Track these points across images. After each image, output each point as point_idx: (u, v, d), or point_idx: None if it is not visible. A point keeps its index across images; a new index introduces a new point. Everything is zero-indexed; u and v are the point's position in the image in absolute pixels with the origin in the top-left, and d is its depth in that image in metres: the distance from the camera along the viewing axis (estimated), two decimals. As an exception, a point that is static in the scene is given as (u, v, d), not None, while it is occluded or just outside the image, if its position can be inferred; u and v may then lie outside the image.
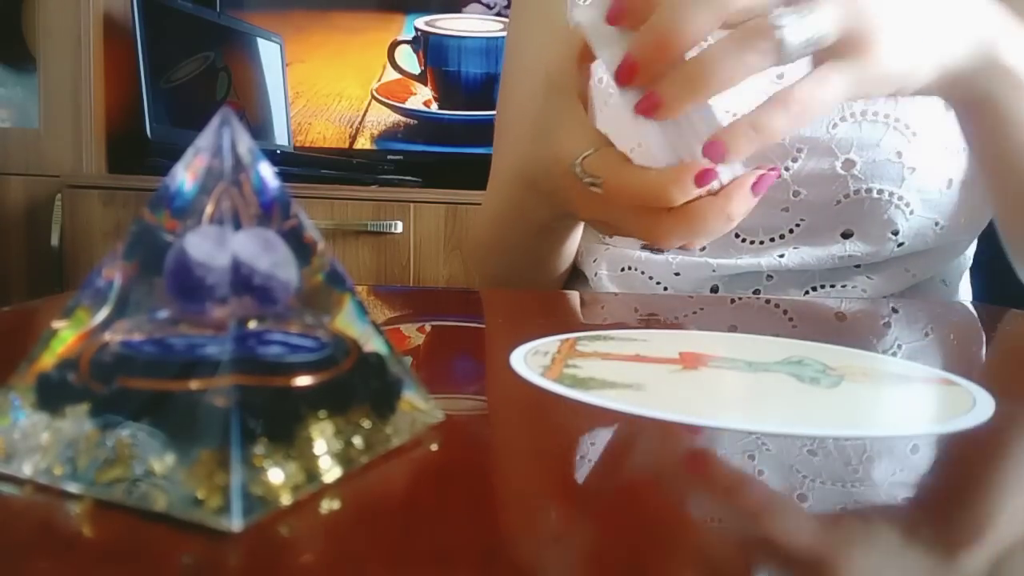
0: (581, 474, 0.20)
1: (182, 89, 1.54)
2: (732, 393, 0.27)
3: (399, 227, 1.42)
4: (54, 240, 1.43)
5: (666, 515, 0.18)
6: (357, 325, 0.21)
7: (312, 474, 0.18)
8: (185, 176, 0.19)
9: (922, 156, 0.55)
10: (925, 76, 0.40)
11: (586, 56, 0.45)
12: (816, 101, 0.36)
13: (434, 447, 0.21)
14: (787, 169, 0.56)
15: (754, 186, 0.39)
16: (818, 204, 0.57)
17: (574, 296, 0.58)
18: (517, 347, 0.32)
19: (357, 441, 0.19)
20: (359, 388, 0.20)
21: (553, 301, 0.53)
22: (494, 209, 0.61)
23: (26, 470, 0.18)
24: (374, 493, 0.18)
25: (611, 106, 0.47)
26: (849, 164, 0.56)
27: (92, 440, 0.17)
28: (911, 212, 0.57)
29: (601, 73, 0.42)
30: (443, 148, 1.74)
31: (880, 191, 0.56)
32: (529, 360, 0.30)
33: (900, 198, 0.56)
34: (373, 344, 0.21)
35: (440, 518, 0.17)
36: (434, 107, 1.75)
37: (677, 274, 0.63)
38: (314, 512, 0.17)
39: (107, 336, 0.19)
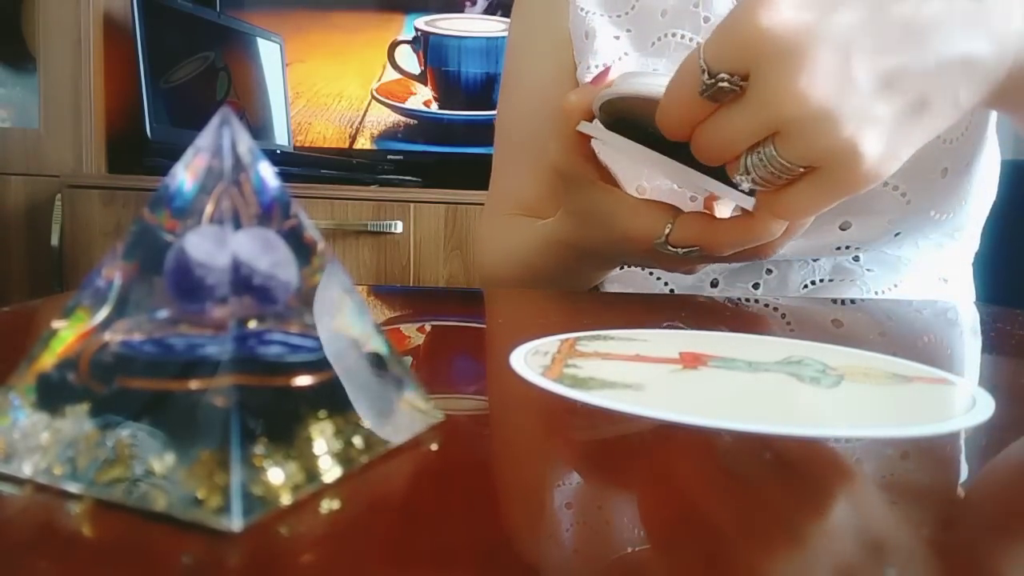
0: (581, 474, 0.20)
1: (182, 89, 1.54)
2: (732, 393, 0.27)
3: (399, 227, 1.42)
4: (54, 240, 1.43)
5: (666, 515, 0.18)
6: (357, 325, 0.21)
7: (312, 474, 0.18)
8: (185, 176, 0.19)
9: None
10: (937, 129, 0.38)
11: (584, 144, 0.47)
12: (792, 215, 0.38)
13: (434, 447, 0.21)
14: None
15: None
16: None
17: (574, 296, 0.58)
18: (517, 347, 0.32)
19: (357, 441, 0.19)
20: (359, 388, 0.20)
21: (553, 301, 0.53)
22: (527, 261, 0.61)
23: (26, 470, 0.18)
24: (374, 493, 0.18)
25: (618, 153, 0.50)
26: None
27: (92, 440, 0.17)
28: (907, 202, 0.57)
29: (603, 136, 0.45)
30: (443, 148, 1.74)
31: None
32: (529, 360, 0.30)
33: (895, 187, 0.57)
34: (373, 344, 0.21)
35: (440, 518, 0.17)
36: (434, 107, 1.75)
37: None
38: (314, 512, 0.17)
39: (107, 336, 0.19)
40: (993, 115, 0.63)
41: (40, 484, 0.17)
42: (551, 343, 0.33)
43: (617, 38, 0.65)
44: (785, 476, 0.20)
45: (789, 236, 0.44)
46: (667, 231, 0.44)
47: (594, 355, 0.31)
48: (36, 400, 0.19)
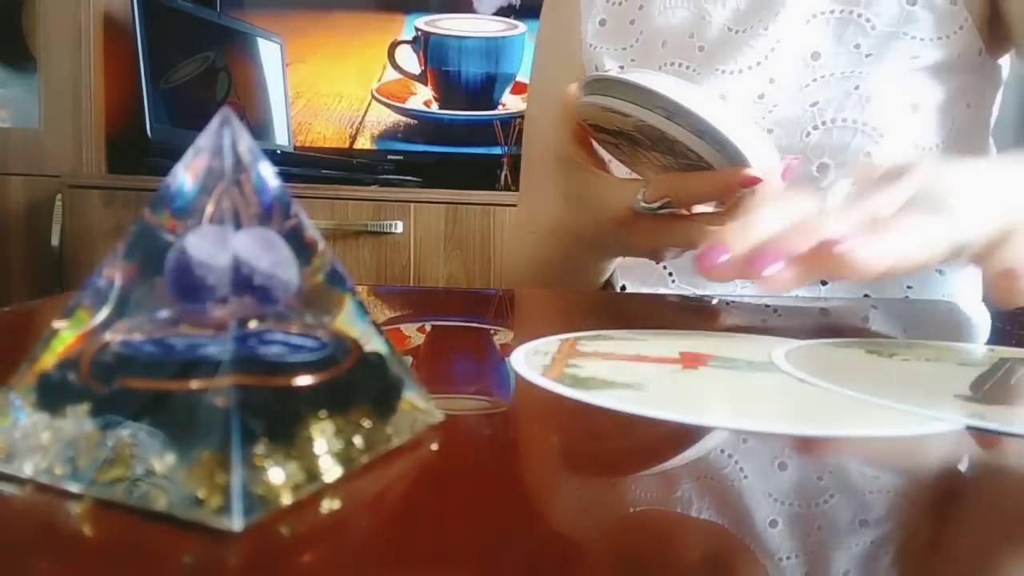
0: (582, 474, 0.20)
1: (182, 89, 1.54)
2: (733, 393, 0.27)
3: (399, 227, 1.42)
4: (54, 240, 1.43)
5: (667, 515, 0.18)
6: (357, 325, 0.21)
7: (312, 474, 0.18)
8: (185, 176, 0.19)
9: (890, 155, 0.59)
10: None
11: (581, 131, 0.52)
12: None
13: (434, 447, 0.21)
14: None
15: (783, 175, 0.46)
16: None
17: (574, 296, 0.58)
18: (517, 347, 0.32)
19: (357, 441, 0.19)
20: (359, 388, 0.20)
21: (553, 301, 0.53)
22: (536, 256, 0.67)
23: (27, 470, 0.18)
24: (374, 493, 0.18)
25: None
26: (823, 168, 0.60)
27: (92, 440, 0.17)
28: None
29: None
30: (443, 148, 1.74)
31: None
32: (530, 360, 0.30)
33: None
34: (373, 344, 0.21)
35: (440, 518, 0.17)
36: (434, 107, 1.75)
37: None
38: (314, 512, 0.17)
39: (107, 336, 0.19)
40: (989, 120, 0.65)
41: (41, 484, 0.17)
42: (551, 343, 0.33)
43: (622, 67, 0.70)
44: (787, 476, 0.20)
45: (741, 227, 0.47)
46: (642, 192, 0.48)
47: (594, 355, 0.31)
48: (37, 400, 0.19)
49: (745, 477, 0.20)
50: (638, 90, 0.46)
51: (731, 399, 0.26)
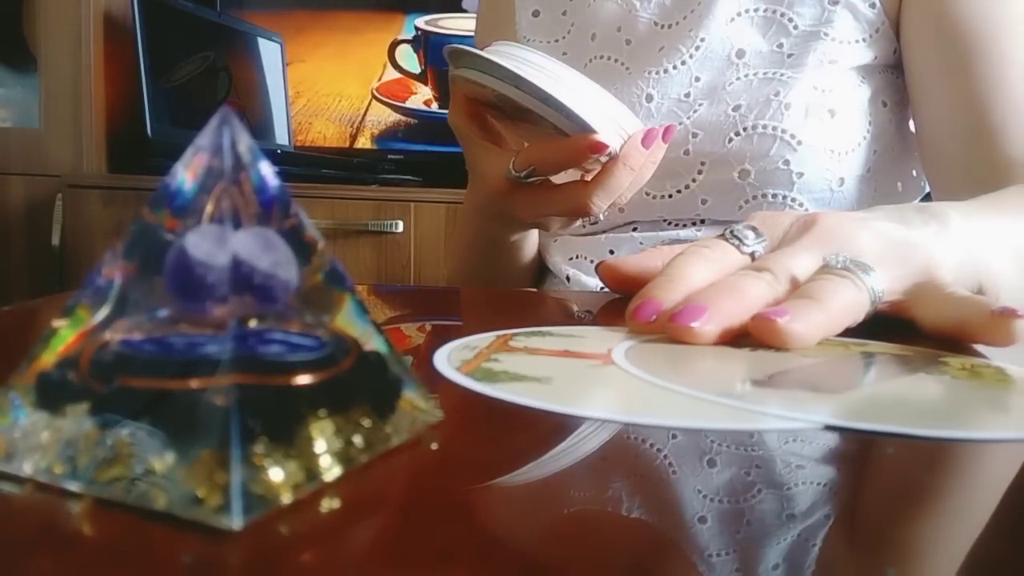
0: (480, 467, 0.20)
1: (182, 89, 1.54)
2: (634, 389, 0.27)
3: (399, 227, 1.42)
4: (54, 240, 1.43)
5: (662, 517, 0.18)
6: (357, 324, 0.21)
7: (312, 473, 0.18)
8: (185, 175, 0.19)
9: (808, 162, 0.61)
10: None
11: (470, 108, 0.56)
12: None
13: (433, 446, 0.21)
14: (693, 181, 0.64)
15: (644, 141, 0.49)
16: (723, 210, 0.64)
17: (555, 295, 0.58)
18: (447, 343, 0.31)
19: (357, 440, 0.19)
20: (359, 387, 0.20)
21: (539, 299, 0.53)
22: (462, 239, 0.71)
23: (26, 469, 0.18)
24: (374, 492, 0.18)
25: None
26: (745, 173, 0.62)
27: (92, 439, 0.17)
28: (805, 211, 0.61)
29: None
30: (443, 148, 1.74)
31: (775, 195, 0.62)
32: (453, 355, 0.29)
33: (793, 200, 0.62)
34: (373, 343, 0.21)
35: (440, 518, 0.17)
36: (434, 106, 1.75)
37: (612, 252, 0.68)
38: (314, 511, 0.17)
39: (107, 335, 0.19)
40: (909, 113, 0.67)
41: (40, 483, 0.17)
42: (485, 339, 0.32)
43: None
44: (668, 469, 0.20)
45: (603, 192, 0.50)
46: (512, 161, 0.52)
47: (523, 350, 0.31)
48: (36, 399, 0.19)
49: (635, 473, 0.20)
50: (483, 61, 0.48)
51: (629, 395, 0.26)
